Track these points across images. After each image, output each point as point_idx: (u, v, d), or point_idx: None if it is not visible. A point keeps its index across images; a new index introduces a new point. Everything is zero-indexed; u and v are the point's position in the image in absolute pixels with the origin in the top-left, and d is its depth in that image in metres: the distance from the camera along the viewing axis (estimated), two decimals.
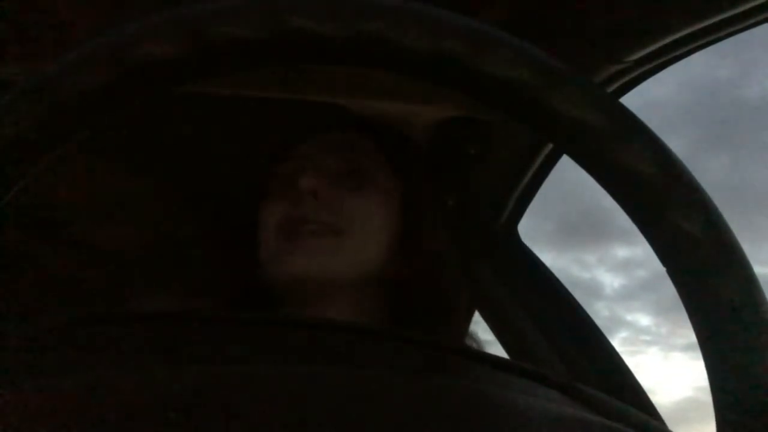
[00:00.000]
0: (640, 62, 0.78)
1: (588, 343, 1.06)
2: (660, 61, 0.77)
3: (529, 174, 1.03)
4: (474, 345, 0.78)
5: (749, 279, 0.26)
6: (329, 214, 0.66)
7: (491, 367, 0.39)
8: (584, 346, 1.06)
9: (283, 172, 0.72)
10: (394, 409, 0.29)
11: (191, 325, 0.40)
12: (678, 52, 0.75)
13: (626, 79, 0.81)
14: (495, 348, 1.12)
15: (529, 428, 0.30)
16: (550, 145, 0.98)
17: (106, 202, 1.06)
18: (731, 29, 0.69)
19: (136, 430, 0.26)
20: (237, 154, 0.79)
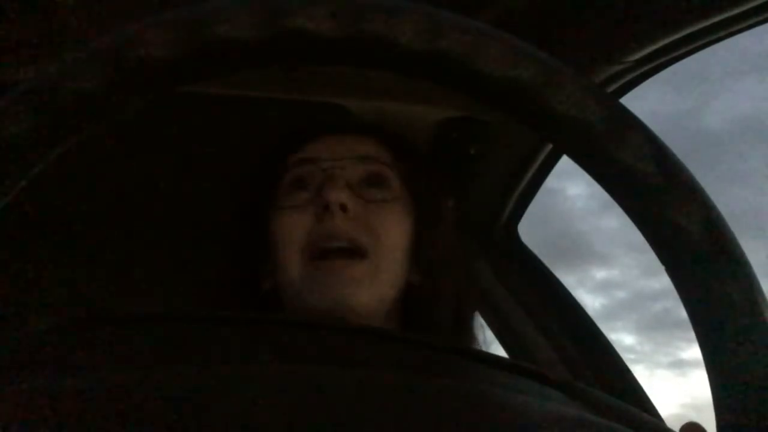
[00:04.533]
0: (640, 62, 0.78)
1: (588, 343, 1.06)
2: (660, 61, 0.77)
3: (529, 174, 1.03)
4: (477, 342, 0.77)
5: (748, 278, 0.26)
6: (357, 230, 0.64)
7: (491, 367, 0.39)
8: (584, 346, 1.06)
9: (297, 178, 0.69)
10: (395, 409, 0.29)
11: (191, 325, 0.40)
12: (678, 52, 0.75)
13: (626, 79, 0.81)
14: (495, 348, 1.12)
15: (529, 429, 0.30)
16: (550, 145, 0.98)
17: (106, 203, 1.06)
18: (731, 29, 0.70)
19: (136, 430, 0.26)
20: (239, 155, 0.79)
